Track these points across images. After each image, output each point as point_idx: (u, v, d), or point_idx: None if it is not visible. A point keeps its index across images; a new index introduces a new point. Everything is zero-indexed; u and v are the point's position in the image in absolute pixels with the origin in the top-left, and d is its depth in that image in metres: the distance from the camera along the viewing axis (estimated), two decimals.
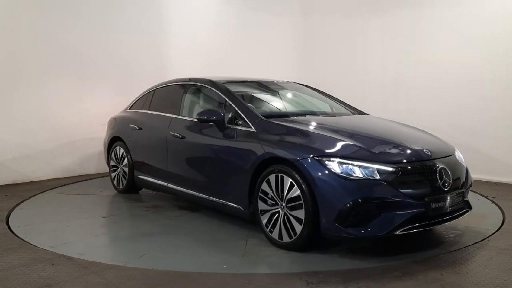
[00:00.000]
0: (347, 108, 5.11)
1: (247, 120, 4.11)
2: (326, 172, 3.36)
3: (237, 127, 4.16)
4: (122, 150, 5.71)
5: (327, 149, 3.50)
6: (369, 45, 8.18)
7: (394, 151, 3.64)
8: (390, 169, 3.38)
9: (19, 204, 5.30)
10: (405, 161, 3.52)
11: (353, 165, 3.36)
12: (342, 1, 8.62)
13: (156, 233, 4.20)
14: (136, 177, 5.50)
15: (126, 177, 5.65)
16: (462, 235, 4.07)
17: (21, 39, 6.42)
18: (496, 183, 6.41)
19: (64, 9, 6.79)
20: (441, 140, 4.30)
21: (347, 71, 8.40)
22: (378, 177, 3.33)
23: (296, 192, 3.50)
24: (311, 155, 3.46)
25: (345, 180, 3.31)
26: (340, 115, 4.81)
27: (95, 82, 7.16)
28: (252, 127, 4.03)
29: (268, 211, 3.77)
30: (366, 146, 3.57)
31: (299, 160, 3.49)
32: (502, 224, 4.42)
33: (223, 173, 4.22)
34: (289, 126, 3.93)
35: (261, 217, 3.82)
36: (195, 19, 8.23)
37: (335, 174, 3.34)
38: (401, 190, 3.35)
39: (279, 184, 3.63)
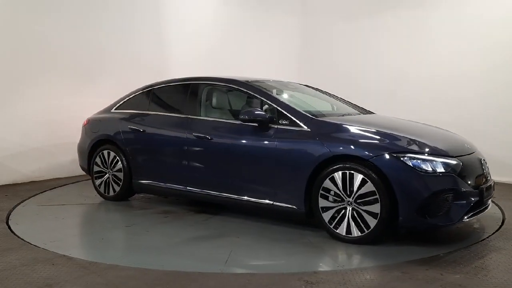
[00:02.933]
0: (355, 107, 5.12)
1: (296, 120, 4.14)
2: (404, 167, 3.57)
3: (285, 127, 4.16)
4: (113, 154, 5.29)
5: (399, 146, 3.73)
6: (369, 45, 8.18)
7: (448, 146, 3.94)
8: (455, 162, 3.71)
9: (19, 204, 5.30)
10: (461, 154, 3.88)
11: (426, 159, 3.63)
12: (342, 1, 8.62)
13: (210, 236, 4.10)
14: (136, 182, 5.15)
15: (120, 183, 5.25)
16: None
17: (21, 39, 6.42)
18: (495, 183, 6.39)
19: (64, 9, 6.79)
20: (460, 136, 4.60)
21: (347, 71, 8.40)
22: (448, 169, 3.64)
23: (369, 187, 3.63)
24: (387, 152, 3.64)
25: (422, 174, 3.56)
26: (360, 114, 4.84)
27: (95, 82, 7.16)
28: (305, 126, 4.07)
29: (331, 208, 3.85)
30: (427, 142, 3.86)
31: (374, 157, 3.65)
32: (502, 224, 4.43)
33: (270, 173, 4.16)
34: (346, 125, 4.05)
35: (323, 214, 3.88)
36: (194, 19, 8.23)
37: (412, 168, 3.56)
38: (465, 181, 3.68)
39: (347, 180, 3.73)
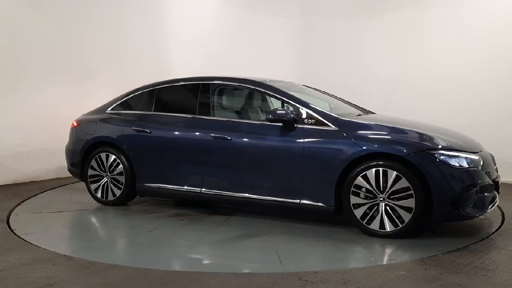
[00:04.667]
0: (356, 108, 5.13)
1: (323, 119, 4.21)
2: (437, 163, 3.78)
3: (311, 126, 4.21)
4: (113, 156, 5.10)
5: (430, 143, 3.93)
6: (369, 45, 8.17)
7: (466, 143, 4.20)
8: (477, 157, 3.97)
9: (19, 204, 5.31)
10: (478, 150, 4.14)
11: (454, 156, 3.86)
12: (342, 1, 8.62)
13: (243, 237, 4.09)
14: (140, 186, 5.00)
15: (122, 187, 5.07)
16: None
17: (22, 39, 6.43)
18: None
19: (64, 10, 6.80)
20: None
21: (346, 71, 8.39)
22: (473, 165, 3.89)
23: (403, 183, 3.79)
24: (421, 149, 3.83)
25: (454, 169, 3.79)
26: (366, 114, 4.90)
27: (96, 82, 7.16)
28: (332, 125, 4.16)
29: (363, 204, 3.96)
30: (452, 138, 4.14)
31: (410, 154, 3.80)
32: (502, 224, 4.43)
33: (297, 172, 4.20)
34: (373, 124, 4.21)
35: (355, 211, 3.98)
36: (195, 19, 8.24)
37: (445, 164, 3.78)
38: (486, 175, 3.96)
39: (380, 177, 3.86)
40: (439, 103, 7.18)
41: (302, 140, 4.19)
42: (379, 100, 7.68)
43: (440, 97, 7.20)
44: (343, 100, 5.31)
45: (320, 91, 5.47)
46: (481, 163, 3.96)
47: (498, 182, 4.16)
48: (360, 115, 4.74)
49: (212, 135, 4.56)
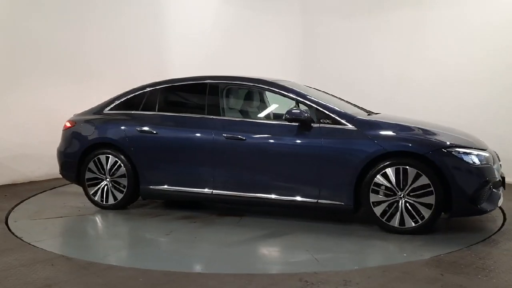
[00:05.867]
0: (356, 108, 5.12)
1: (340, 119, 4.26)
2: (456, 161, 3.92)
3: (328, 126, 4.25)
4: (113, 158, 4.90)
5: (448, 141, 4.05)
6: (370, 45, 8.16)
7: (475, 140, 4.31)
8: (488, 154, 4.11)
9: (18, 204, 5.29)
10: (486, 148, 4.26)
11: (470, 153, 3.98)
12: (342, 1, 8.61)
13: (267, 237, 4.09)
14: (145, 189, 4.83)
15: (124, 190, 4.88)
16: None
17: (21, 39, 6.41)
18: None
19: (64, 10, 6.79)
20: None
21: (347, 71, 8.38)
22: (485, 161, 4.03)
23: (423, 181, 3.90)
24: (440, 147, 3.95)
25: (471, 166, 3.93)
26: (371, 113, 4.91)
27: (95, 81, 7.14)
28: (350, 125, 4.22)
29: (382, 202, 4.04)
30: (463, 136, 4.29)
31: (430, 152, 3.91)
32: (503, 224, 4.41)
33: (315, 171, 4.23)
34: (389, 123, 4.30)
35: (374, 208, 4.06)
36: (194, 18, 8.22)
37: (462, 161, 3.92)
38: (496, 171, 4.10)
39: (400, 175, 3.96)
40: (440, 102, 7.17)
41: (320, 140, 4.22)
42: (379, 99, 7.67)
43: (441, 96, 7.19)
44: (343, 101, 5.29)
45: (320, 91, 5.45)
46: (492, 159, 4.10)
47: (504, 178, 4.25)
48: (369, 114, 4.75)
49: (225, 135, 4.50)
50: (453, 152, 3.94)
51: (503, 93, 6.58)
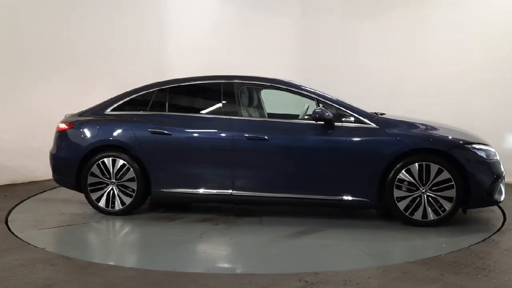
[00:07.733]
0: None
1: (361, 118, 4.41)
2: (473, 156, 4.20)
3: (352, 125, 4.37)
4: (121, 161, 4.66)
5: (465, 138, 4.33)
6: (370, 45, 8.17)
7: (480, 137, 4.55)
8: (494, 149, 4.38)
9: (18, 204, 5.29)
10: (490, 144, 4.47)
11: (483, 149, 4.26)
12: (342, 1, 8.61)
13: (302, 235, 4.13)
14: (157, 192, 4.63)
15: (133, 194, 4.66)
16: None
17: (21, 39, 6.41)
18: None
19: (64, 9, 6.79)
20: None
21: (347, 71, 8.39)
22: (494, 156, 4.31)
23: (445, 175, 4.15)
24: (459, 144, 4.23)
25: (487, 160, 4.22)
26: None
27: (95, 81, 7.14)
28: (372, 123, 4.37)
29: (406, 197, 4.23)
30: (471, 133, 4.53)
31: (451, 149, 4.18)
32: (503, 224, 4.41)
33: (340, 170, 4.34)
34: (409, 122, 4.49)
35: (398, 203, 4.23)
36: (195, 18, 8.23)
37: (480, 157, 4.21)
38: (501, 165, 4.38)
39: (423, 171, 4.17)
40: (439, 103, 7.17)
41: (344, 138, 4.32)
42: (379, 99, 7.67)
43: (440, 97, 7.19)
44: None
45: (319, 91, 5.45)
46: (497, 155, 4.38)
47: (503, 171, 4.50)
48: (383, 114, 4.81)
49: (246, 135, 4.46)
50: (470, 148, 4.21)
51: (504, 94, 6.58)
